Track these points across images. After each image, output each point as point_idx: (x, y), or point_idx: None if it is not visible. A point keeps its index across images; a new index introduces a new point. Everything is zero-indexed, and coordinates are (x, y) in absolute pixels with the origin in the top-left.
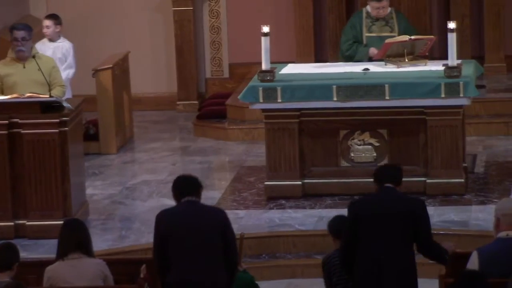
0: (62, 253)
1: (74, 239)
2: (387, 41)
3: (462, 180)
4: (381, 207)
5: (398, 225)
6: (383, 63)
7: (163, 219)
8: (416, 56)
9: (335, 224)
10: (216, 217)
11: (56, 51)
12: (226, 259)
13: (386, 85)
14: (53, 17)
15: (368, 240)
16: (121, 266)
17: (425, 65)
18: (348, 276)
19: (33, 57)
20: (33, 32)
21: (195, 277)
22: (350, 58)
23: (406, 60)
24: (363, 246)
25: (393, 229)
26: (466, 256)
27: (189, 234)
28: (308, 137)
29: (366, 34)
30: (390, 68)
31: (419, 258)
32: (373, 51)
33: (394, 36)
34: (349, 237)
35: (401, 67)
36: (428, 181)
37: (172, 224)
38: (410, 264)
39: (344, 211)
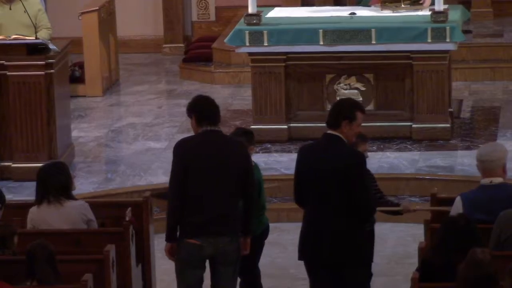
0: (40, 197)
1: (55, 182)
2: None
3: (448, 125)
4: (319, 163)
5: (334, 186)
6: (370, 8)
7: (186, 148)
8: (414, 1)
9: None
10: (242, 152)
11: None
12: (245, 194)
13: (373, 30)
14: None
15: (307, 197)
16: (107, 209)
17: (420, 11)
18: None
19: None
20: None
21: (220, 213)
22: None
23: (403, 5)
24: (305, 203)
25: (330, 191)
26: (450, 202)
27: (214, 167)
28: (294, 81)
29: None
30: (376, 12)
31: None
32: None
33: None
34: (295, 176)
35: (396, 12)
36: (414, 126)
37: (195, 153)
38: (348, 228)
39: None
